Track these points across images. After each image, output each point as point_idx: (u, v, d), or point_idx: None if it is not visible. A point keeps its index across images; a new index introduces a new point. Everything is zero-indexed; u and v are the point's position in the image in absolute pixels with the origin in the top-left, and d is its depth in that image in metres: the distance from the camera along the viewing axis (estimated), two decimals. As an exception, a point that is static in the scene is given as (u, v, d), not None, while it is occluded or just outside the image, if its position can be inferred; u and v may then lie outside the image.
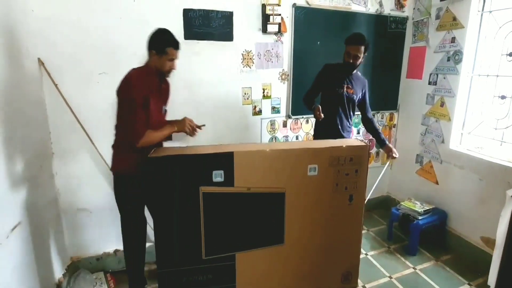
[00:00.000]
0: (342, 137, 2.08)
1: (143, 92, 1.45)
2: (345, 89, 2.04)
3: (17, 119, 1.43)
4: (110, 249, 2.07)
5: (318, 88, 2.14)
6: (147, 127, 1.49)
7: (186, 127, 1.59)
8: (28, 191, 1.48)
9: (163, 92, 1.65)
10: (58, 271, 1.79)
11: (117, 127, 1.60)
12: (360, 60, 1.96)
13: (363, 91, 2.11)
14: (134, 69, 1.51)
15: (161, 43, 1.47)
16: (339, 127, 2.09)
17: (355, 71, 2.05)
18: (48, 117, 1.77)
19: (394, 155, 2.09)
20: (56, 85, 1.74)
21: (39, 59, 1.69)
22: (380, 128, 2.18)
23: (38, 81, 1.69)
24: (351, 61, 1.94)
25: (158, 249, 1.63)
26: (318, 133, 2.21)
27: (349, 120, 2.13)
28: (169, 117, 1.74)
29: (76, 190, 1.91)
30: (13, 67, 1.44)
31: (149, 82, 1.50)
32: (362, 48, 1.92)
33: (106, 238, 2.04)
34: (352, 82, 2.06)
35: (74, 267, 1.96)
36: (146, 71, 1.51)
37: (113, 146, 1.62)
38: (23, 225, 1.41)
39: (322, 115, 1.96)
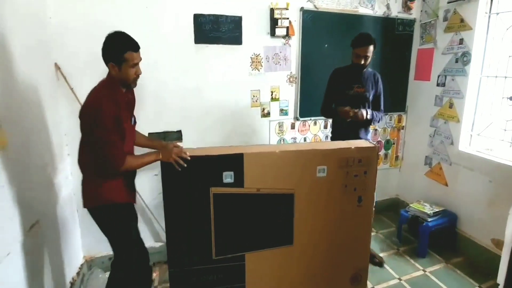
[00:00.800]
0: (359, 138, 2.07)
1: (112, 113, 1.27)
2: (354, 90, 2.04)
3: (34, 121, 1.48)
4: (122, 249, 2.11)
5: (332, 94, 2.14)
6: (124, 150, 1.35)
7: (172, 157, 1.40)
8: (44, 191, 1.53)
9: (130, 103, 1.47)
10: (72, 270, 1.84)
11: (83, 158, 1.41)
12: (370, 59, 1.96)
13: (377, 86, 2.08)
14: (96, 87, 1.36)
15: (117, 51, 1.28)
16: (355, 128, 2.08)
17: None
18: (63, 120, 1.83)
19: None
20: (72, 89, 1.80)
21: (55, 64, 1.75)
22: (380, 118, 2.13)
23: (54, 85, 1.75)
24: (362, 62, 1.94)
25: (169, 249, 1.66)
26: (335, 135, 2.22)
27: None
28: (180, 119, 1.76)
29: (89, 191, 1.96)
30: (32, 72, 1.50)
31: (117, 99, 1.33)
32: (371, 47, 1.91)
33: (118, 238, 2.08)
34: (362, 81, 2.05)
35: (88, 266, 2.00)
36: (111, 87, 1.34)
37: (85, 180, 1.42)
38: (40, 224, 1.45)
39: (351, 109, 1.94)
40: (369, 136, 2.19)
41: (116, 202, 1.44)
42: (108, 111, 1.26)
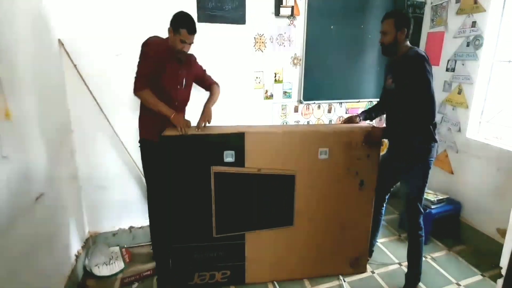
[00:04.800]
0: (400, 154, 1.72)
1: (152, 51, 1.53)
2: (387, 82, 1.72)
3: (38, 95, 1.50)
4: (125, 225, 2.16)
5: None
6: (145, 82, 1.54)
7: (180, 125, 1.57)
8: (50, 165, 1.56)
9: (185, 66, 1.67)
10: (77, 244, 1.89)
11: None
12: (390, 38, 1.58)
13: (406, 75, 1.55)
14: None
15: (178, 23, 1.51)
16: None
17: (404, 53, 1.59)
18: (68, 96, 1.85)
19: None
20: (75, 65, 1.81)
21: (59, 40, 1.76)
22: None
23: (58, 61, 1.76)
24: (380, 40, 1.63)
25: (171, 226, 1.69)
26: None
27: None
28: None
29: (94, 168, 2.00)
30: (36, 47, 1.50)
31: (163, 48, 1.56)
32: (391, 21, 1.57)
33: (122, 215, 2.13)
34: (394, 70, 1.64)
35: (92, 241, 2.06)
36: (166, 40, 1.58)
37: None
38: (46, 196, 1.48)
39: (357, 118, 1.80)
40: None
41: (144, 138, 1.68)
42: (150, 48, 1.53)
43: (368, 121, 1.96)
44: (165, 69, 1.58)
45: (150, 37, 1.56)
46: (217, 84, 1.85)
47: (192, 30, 1.52)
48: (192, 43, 1.57)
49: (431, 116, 1.55)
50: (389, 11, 1.65)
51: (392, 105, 1.72)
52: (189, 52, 1.64)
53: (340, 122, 2.45)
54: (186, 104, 1.80)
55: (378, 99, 1.97)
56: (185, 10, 1.64)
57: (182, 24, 1.50)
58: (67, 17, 1.74)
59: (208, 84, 1.84)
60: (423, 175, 1.67)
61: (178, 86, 1.67)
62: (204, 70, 1.85)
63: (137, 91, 1.54)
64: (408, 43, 1.63)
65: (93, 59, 1.85)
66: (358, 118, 1.88)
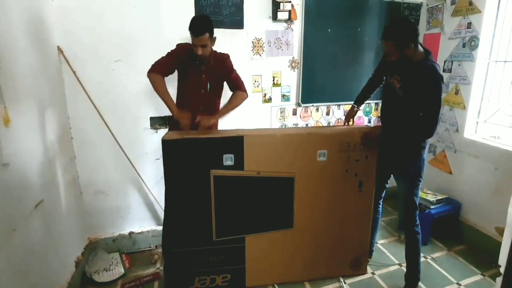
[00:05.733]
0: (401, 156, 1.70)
1: (176, 50, 1.63)
2: (393, 79, 1.67)
3: (38, 102, 1.50)
4: (125, 231, 2.16)
5: (380, 66, 1.86)
6: (161, 70, 1.61)
7: (183, 122, 1.61)
8: (50, 171, 1.56)
9: (210, 71, 1.69)
10: (77, 250, 1.88)
11: None
12: (396, 56, 1.51)
13: (423, 97, 1.49)
14: None
15: (189, 27, 1.55)
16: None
17: (419, 61, 1.53)
18: (67, 103, 1.86)
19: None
20: (74, 72, 1.82)
21: (58, 47, 1.77)
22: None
23: (57, 68, 1.77)
24: (387, 58, 1.59)
25: (170, 229, 1.69)
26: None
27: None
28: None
29: (94, 173, 2.00)
30: (35, 55, 1.51)
31: (188, 54, 1.61)
32: (390, 44, 1.48)
33: (122, 220, 2.13)
34: (404, 73, 1.60)
35: (92, 247, 2.05)
36: (191, 47, 1.62)
37: None
38: (46, 203, 1.48)
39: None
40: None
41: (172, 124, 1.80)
42: (176, 48, 1.65)
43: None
44: (186, 73, 1.64)
45: (181, 43, 1.67)
46: (242, 90, 1.77)
47: (196, 33, 1.52)
48: (206, 45, 1.56)
49: (432, 134, 1.56)
50: (388, 27, 1.50)
51: (394, 106, 1.69)
52: (223, 52, 1.72)
53: (341, 122, 2.45)
54: (214, 108, 1.77)
55: (373, 94, 1.98)
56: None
57: (189, 28, 1.53)
58: (66, 24, 1.76)
59: (232, 88, 1.80)
60: (418, 170, 1.70)
61: (202, 91, 1.68)
62: (232, 71, 1.78)
63: (149, 72, 1.60)
64: (420, 48, 1.54)
65: (92, 66, 1.86)
66: (354, 108, 1.93)
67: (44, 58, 1.62)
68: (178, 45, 1.67)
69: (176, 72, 1.72)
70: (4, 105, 1.18)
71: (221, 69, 1.74)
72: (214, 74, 1.71)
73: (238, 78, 1.81)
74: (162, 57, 1.64)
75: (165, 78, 1.65)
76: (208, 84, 1.70)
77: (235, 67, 2.29)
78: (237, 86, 1.79)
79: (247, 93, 1.82)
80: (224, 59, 1.75)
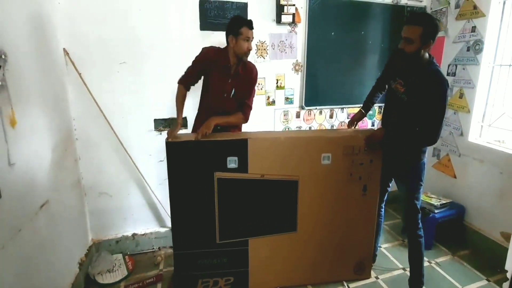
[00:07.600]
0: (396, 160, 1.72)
1: (202, 56, 1.65)
2: (395, 84, 1.63)
3: (43, 104, 1.51)
4: (129, 232, 2.16)
5: (385, 73, 1.80)
6: (187, 79, 1.68)
7: (197, 136, 1.58)
8: (54, 173, 1.57)
9: (237, 77, 1.67)
10: (80, 251, 1.89)
11: None
12: (414, 48, 1.42)
13: (428, 104, 1.47)
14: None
15: (236, 25, 1.58)
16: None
17: (424, 66, 1.50)
18: (72, 105, 1.87)
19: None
20: (79, 74, 1.83)
21: (64, 50, 1.78)
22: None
23: (63, 70, 1.78)
24: (401, 46, 1.47)
25: (174, 232, 1.69)
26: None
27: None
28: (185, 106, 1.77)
29: (98, 175, 2.00)
30: (41, 57, 1.53)
31: (215, 56, 1.64)
32: (418, 29, 1.38)
33: (125, 222, 2.13)
34: (408, 78, 1.56)
35: (95, 249, 2.06)
36: (222, 50, 1.66)
37: None
38: (51, 203, 1.49)
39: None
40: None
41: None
42: (202, 53, 1.66)
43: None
44: (213, 75, 1.65)
45: (206, 47, 1.68)
46: (245, 114, 1.73)
47: (251, 24, 1.59)
48: (253, 38, 1.63)
49: (435, 141, 1.57)
50: (418, 13, 1.49)
51: (396, 112, 1.68)
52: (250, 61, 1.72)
53: (345, 125, 2.45)
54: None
55: (378, 97, 1.94)
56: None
57: (241, 24, 1.57)
58: (72, 26, 1.77)
59: (240, 106, 1.73)
60: (418, 174, 1.69)
61: (224, 95, 1.67)
62: (253, 87, 1.75)
63: (178, 82, 1.68)
64: (427, 53, 1.52)
65: (97, 68, 1.87)
66: (362, 112, 1.91)
67: (50, 60, 1.64)
68: (204, 50, 1.66)
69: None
70: (11, 106, 1.19)
71: (247, 79, 1.71)
72: (241, 81, 1.69)
73: (251, 98, 1.76)
74: (189, 66, 1.68)
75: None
76: (233, 90, 1.68)
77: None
78: (243, 107, 1.73)
79: (247, 120, 1.76)
80: (252, 69, 1.71)
